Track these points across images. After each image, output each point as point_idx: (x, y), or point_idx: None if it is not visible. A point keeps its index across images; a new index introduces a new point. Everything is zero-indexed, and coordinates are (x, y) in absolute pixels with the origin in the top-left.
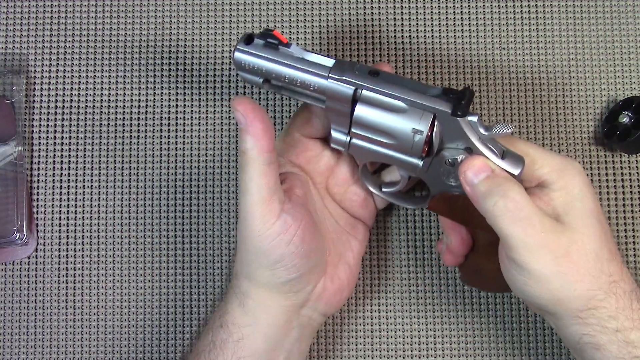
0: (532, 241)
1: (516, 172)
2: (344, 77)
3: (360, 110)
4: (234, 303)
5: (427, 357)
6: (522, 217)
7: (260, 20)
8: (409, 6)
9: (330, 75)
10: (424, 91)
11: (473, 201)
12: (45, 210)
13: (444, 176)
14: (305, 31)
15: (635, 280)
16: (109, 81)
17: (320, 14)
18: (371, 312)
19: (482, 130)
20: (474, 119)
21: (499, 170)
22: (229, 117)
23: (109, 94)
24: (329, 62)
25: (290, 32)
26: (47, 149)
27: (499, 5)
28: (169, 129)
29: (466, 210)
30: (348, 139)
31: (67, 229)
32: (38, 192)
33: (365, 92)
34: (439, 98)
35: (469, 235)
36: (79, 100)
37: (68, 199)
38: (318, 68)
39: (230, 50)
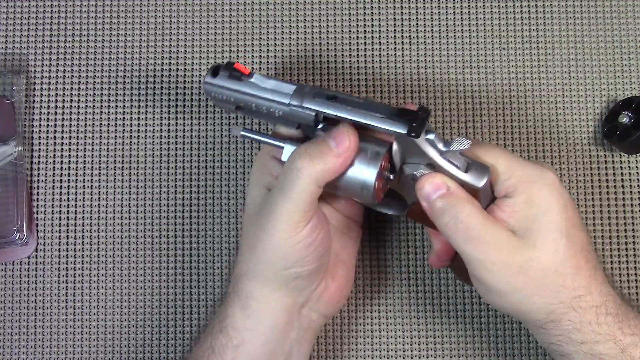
0: (484, 258)
1: (479, 184)
2: (303, 104)
3: None
4: (236, 306)
5: (427, 358)
6: (472, 236)
7: (260, 20)
8: (409, 6)
9: (290, 103)
10: (381, 113)
11: (429, 217)
12: (45, 210)
13: (412, 188)
14: (305, 30)
15: (619, 287)
16: (109, 81)
17: (320, 13)
18: (371, 313)
19: (440, 146)
20: (431, 136)
21: (455, 188)
22: (229, 116)
23: (109, 94)
24: (290, 88)
25: (290, 30)
26: (47, 149)
27: (499, 5)
28: (169, 129)
29: None
30: None
31: (67, 229)
32: (38, 192)
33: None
34: (394, 119)
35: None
36: (79, 100)
37: (68, 199)
38: (279, 96)
39: (231, 50)
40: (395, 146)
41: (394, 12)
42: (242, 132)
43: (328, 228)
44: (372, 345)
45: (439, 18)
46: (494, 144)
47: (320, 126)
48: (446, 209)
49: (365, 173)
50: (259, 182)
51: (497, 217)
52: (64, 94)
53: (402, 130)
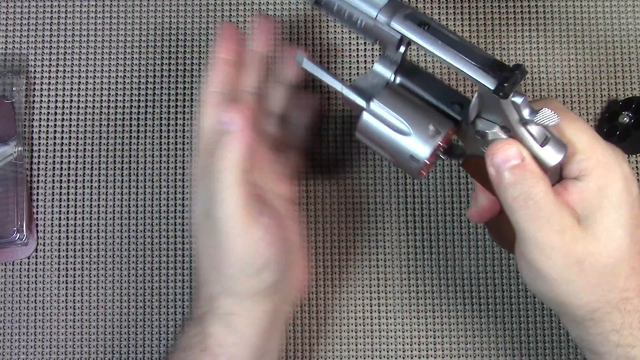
0: (545, 241)
1: (553, 162)
2: (390, 23)
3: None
4: (217, 325)
5: (427, 357)
6: (539, 216)
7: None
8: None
9: (378, 15)
10: (474, 59)
11: (494, 185)
12: (45, 210)
13: (477, 142)
14: (299, 31)
15: None
16: (109, 81)
17: (320, 16)
18: (370, 312)
19: (525, 113)
20: (519, 100)
21: (530, 161)
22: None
23: (109, 94)
24: (382, 0)
25: (283, 30)
26: (47, 149)
27: (499, 6)
28: (168, 129)
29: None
30: (392, 77)
31: (67, 229)
32: (38, 192)
33: (373, 106)
34: (485, 71)
35: (498, 201)
36: (79, 100)
37: (68, 199)
38: (367, 5)
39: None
40: (475, 96)
41: None
42: (304, 65)
43: (284, 221)
44: (372, 345)
45: (439, 18)
46: (577, 116)
47: (402, 49)
48: (517, 182)
49: (419, 148)
50: (201, 189)
51: (564, 200)
52: (64, 94)
53: (490, 85)
